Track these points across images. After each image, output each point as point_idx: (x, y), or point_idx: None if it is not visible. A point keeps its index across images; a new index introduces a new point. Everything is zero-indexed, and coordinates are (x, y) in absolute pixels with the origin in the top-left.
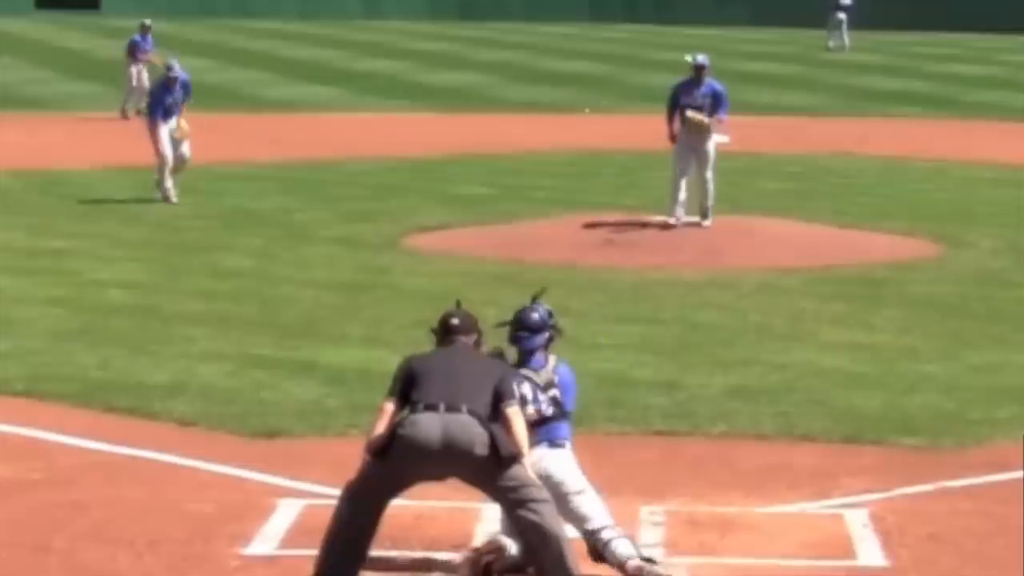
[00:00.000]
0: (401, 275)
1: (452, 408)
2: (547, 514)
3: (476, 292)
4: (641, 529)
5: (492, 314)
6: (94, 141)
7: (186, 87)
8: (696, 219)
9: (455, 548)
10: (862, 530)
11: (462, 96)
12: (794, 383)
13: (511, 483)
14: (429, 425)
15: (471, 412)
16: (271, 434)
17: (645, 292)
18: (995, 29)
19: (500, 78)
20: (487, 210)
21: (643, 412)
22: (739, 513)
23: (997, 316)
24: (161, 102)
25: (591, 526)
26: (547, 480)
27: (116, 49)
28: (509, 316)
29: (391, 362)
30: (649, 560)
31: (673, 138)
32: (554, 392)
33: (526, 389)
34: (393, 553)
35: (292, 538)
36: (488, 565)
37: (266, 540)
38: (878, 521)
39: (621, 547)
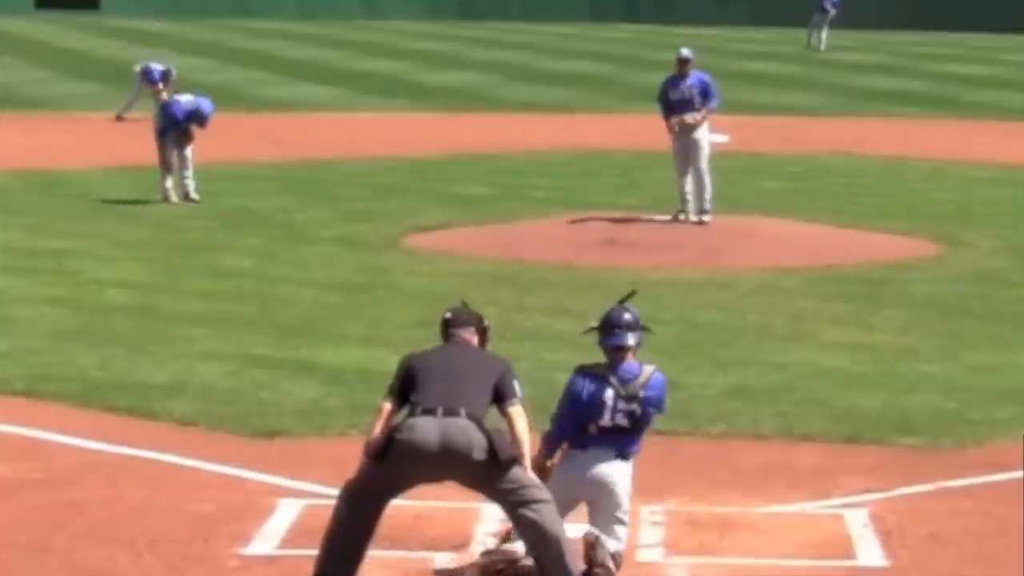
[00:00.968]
0: (401, 275)
1: (450, 412)
2: (547, 514)
3: (476, 292)
4: (641, 529)
5: (492, 314)
6: (94, 141)
7: (197, 117)
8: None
9: (455, 548)
10: (862, 530)
11: (462, 96)
12: (794, 383)
13: (510, 485)
14: (427, 429)
15: (469, 415)
16: (271, 434)
17: (645, 292)
18: (995, 29)
19: (499, 78)
20: (487, 210)
21: None
22: (739, 513)
23: (996, 316)
24: (169, 131)
25: (611, 546)
26: (601, 488)
27: (116, 49)
28: (509, 317)
29: (391, 362)
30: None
31: (671, 128)
32: (635, 407)
33: (607, 396)
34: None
35: (292, 538)
36: (499, 573)
37: (266, 540)
38: (878, 521)
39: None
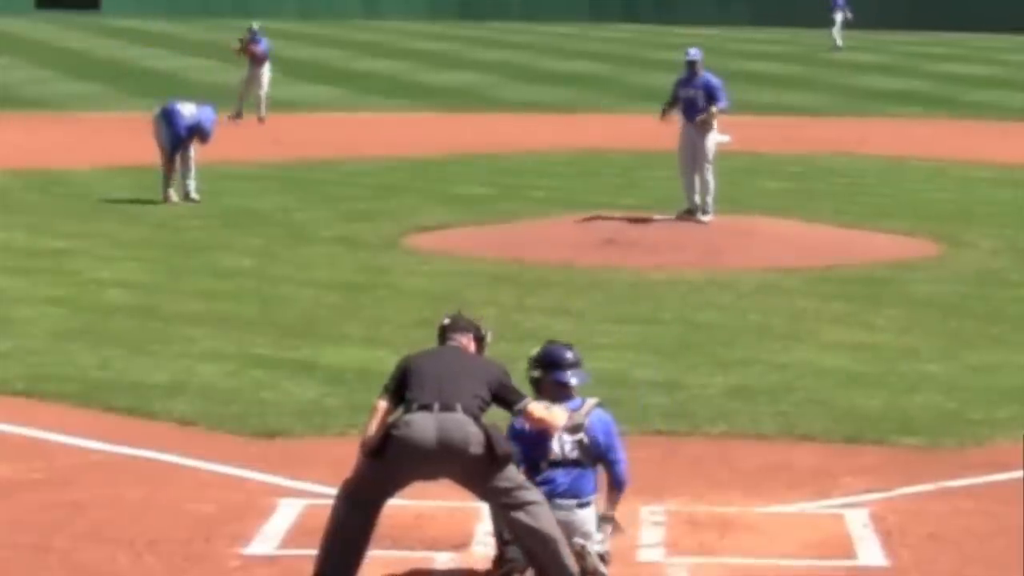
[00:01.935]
0: (401, 275)
1: (446, 407)
2: (542, 516)
3: (476, 292)
4: (641, 529)
5: (492, 314)
6: (94, 141)
7: (199, 132)
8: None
9: (455, 548)
10: (862, 530)
11: (462, 96)
12: (794, 383)
13: (505, 484)
14: (424, 425)
15: (465, 410)
16: (271, 434)
17: (645, 292)
18: (995, 29)
19: (500, 78)
20: (487, 210)
21: (643, 412)
22: (739, 513)
23: (997, 316)
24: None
25: (597, 549)
26: (569, 528)
27: (116, 49)
28: (509, 317)
29: (391, 362)
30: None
31: (663, 113)
32: (582, 436)
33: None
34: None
35: (292, 538)
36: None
37: (266, 540)
38: (878, 521)
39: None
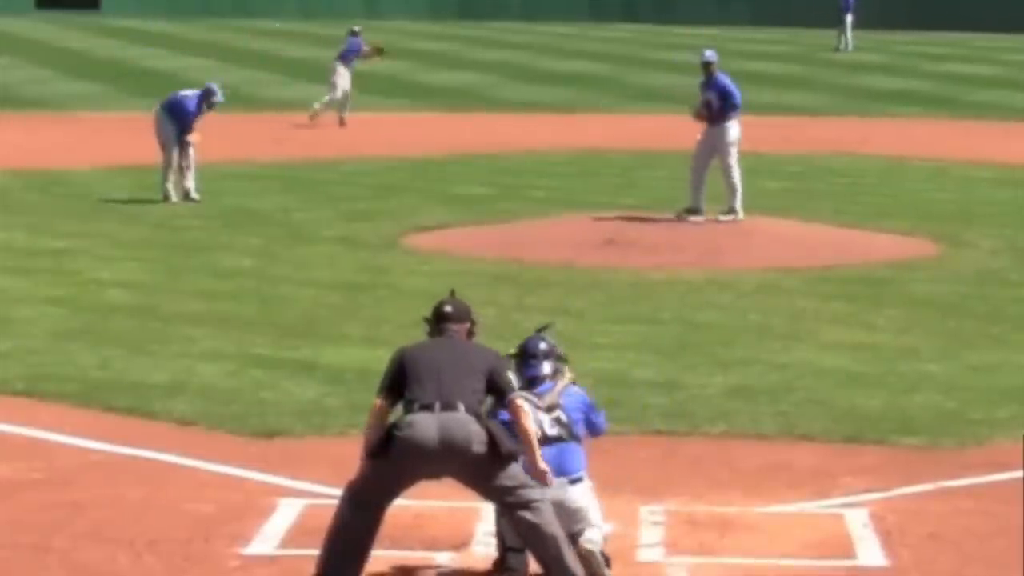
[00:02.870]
0: (401, 275)
1: (448, 406)
2: (545, 514)
3: (475, 292)
4: (641, 529)
5: (492, 314)
6: (94, 141)
7: (209, 96)
8: (699, 218)
9: (455, 548)
10: (862, 530)
11: (462, 96)
12: (794, 383)
13: (509, 483)
14: (426, 425)
15: (468, 409)
16: (271, 434)
17: (645, 292)
18: (996, 29)
19: (499, 78)
20: (487, 210)
21: (643, 412)
22: (739, 513)
23: (997, 316)
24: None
25: (596, 536)
26: (564, 509)
27: (116, 49)
28: (509, 317)
29: None
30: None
31: (697, 114)
32: (558, 414)
33: (527, 408)
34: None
35: (292, 538)
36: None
37: (266, 540)
38: (878, 521)
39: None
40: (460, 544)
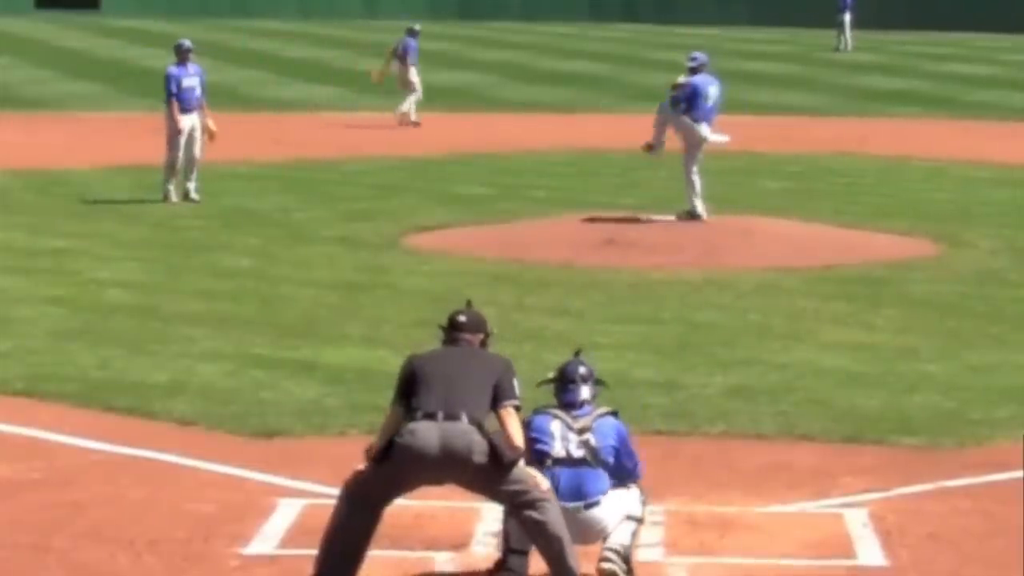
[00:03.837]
0: (401, 275)
1: (451, 416)
2: (551, 513)
3: (476, 292)
4: (641, 529)
5: (492, 314)
6: (94, 141)
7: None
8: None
9: (455, 548)
10: (862, 530)
11: (462, 96)
12: (794, 383)
13: (513, 486)
14: (427, 434)
15: (471, 419)
16: (271, 434)
17: (645, 292)
18: (995, 29)
19: (499, 78)
20: (487, 210)
21: (643, 412)
22: (739, 513)
23: (997, 316)
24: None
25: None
26: (577, 526)
27: (116, 49)
28: (509, 317)
29: (391, 362)
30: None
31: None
32: (588, 436)
33: (555, 427)
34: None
35: (292, 538)
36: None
37: (266, 540)
38: (878, 521)
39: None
40: (460, 544)
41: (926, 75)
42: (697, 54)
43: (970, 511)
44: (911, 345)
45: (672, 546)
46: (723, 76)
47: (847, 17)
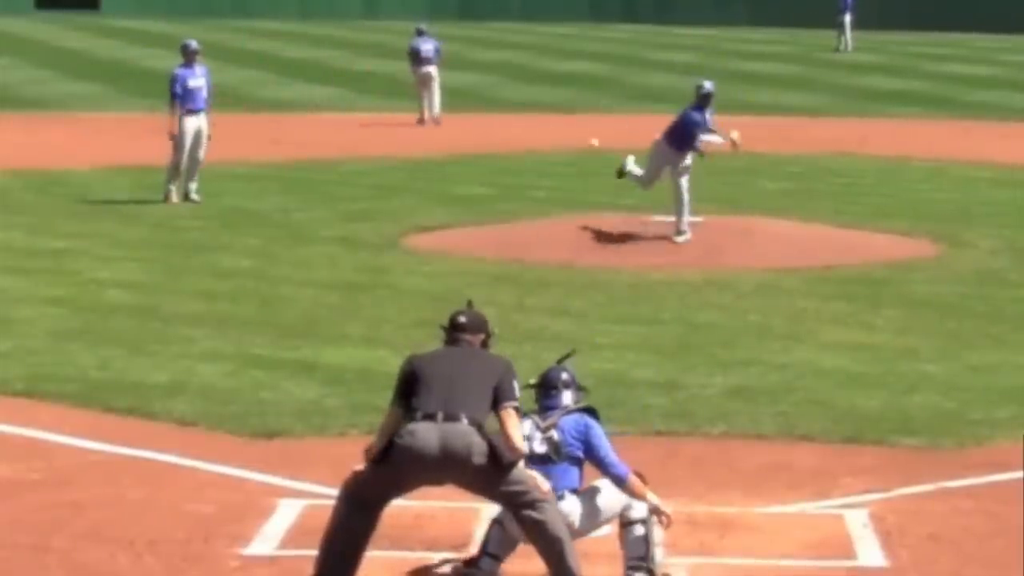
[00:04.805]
0: (401, 275)
1: (450, 417)
2: (550, 513)
3: (476, 292)
4: None
5: (492, 314)
6: (94, 141)
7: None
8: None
9: (455, 548)
10: (862, 530)
11: (462, 96)
12: (794, 383)
13: (513, 487)
14: (427, 435)
15: (471, 421)
16: (271, 434)
17: (645, 292)
18: (996, 29)
19: (500, 78)
20: (487, 210)
21: (643, 412)
22: (739, 513)
23: (997, 316)
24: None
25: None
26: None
27: (116, 49)
28: (509, 317)
29: (391, 362)
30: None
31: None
32: (552, 433)
33: (527, 427)
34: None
35: (292, 538)
36: None
37: (266, 540)
38: (878, 521)
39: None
40: (460, 544)
41: (926, 75)
42: (708, 85)
43: (970, 511)
44: (911, 345)
45: (672, 546)
46: (722, 76)
47: (847, 18)
